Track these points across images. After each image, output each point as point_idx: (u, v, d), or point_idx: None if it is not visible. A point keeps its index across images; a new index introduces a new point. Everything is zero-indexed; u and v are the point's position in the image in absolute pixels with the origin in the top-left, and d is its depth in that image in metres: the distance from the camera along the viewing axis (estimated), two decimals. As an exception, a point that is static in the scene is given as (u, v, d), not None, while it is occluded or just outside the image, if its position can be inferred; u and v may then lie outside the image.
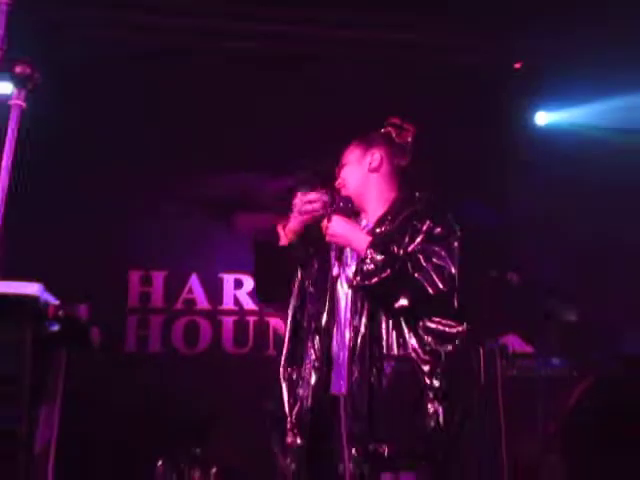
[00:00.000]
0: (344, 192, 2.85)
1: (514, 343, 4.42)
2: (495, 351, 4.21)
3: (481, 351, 4.22)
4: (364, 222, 2.85)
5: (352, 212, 2.80)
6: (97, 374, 3.68)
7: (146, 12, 5.07)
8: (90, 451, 4.22)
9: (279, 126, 5.14)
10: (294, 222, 2.87)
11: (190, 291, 5.53)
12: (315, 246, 2.88)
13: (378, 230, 2.74)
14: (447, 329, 2.59)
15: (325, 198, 2.83)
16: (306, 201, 2.84)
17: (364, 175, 2.83)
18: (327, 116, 4.93)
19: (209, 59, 5.21)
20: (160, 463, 4.20)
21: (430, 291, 2.51)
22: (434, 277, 2.52)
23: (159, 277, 5.52)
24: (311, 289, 2.84)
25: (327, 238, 2.74)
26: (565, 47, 5.14)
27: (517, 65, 5.41)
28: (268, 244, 2.93)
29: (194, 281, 5.53)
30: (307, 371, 2.71)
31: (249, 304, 5.50)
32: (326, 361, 2.69)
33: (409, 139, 2.88)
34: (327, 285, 2.78)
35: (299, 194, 2.86)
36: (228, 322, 5.52)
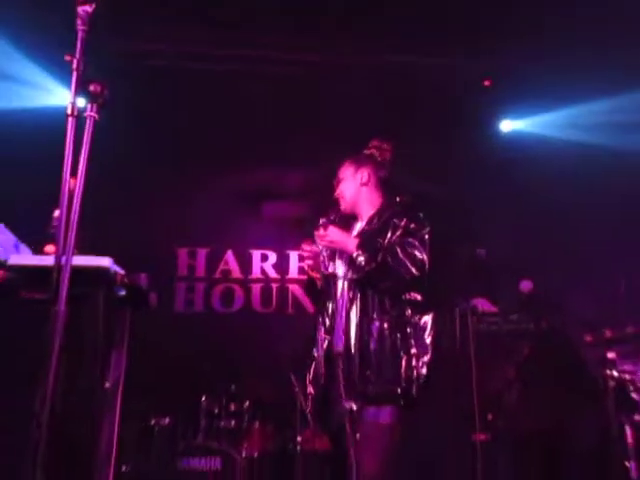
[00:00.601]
0: (342, 202, 2.99)
1: (482, 304, 4.42)
2: (467, 311, 4.23)
3: (457, 311, 4.25)
4: (359, 223, 2.98)
5: (342, 223, 2.95)
6: (154, 328, 3.71)
7: (194, 41, 5.06)
8: (149, 389, 4.25)
9: (296, 133, 5.12)
10: (313, 271, 3.00)
11: (226, 263, 5.56)
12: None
13: (368, 227, 2.89)
14: (418, 302, 2.72)
15: (315, 248, 2.95)
16: (309, 255, 2.95)
17: (357, 189, 2.97)
18: (329, 125, 4.91)
19: (241, 81, 5.16)
20: (204, 398, 4.19)
21: (406, 276, 2.66)
22: (409, 265, 2.66)
23: (202, 253, 5.55)
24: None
25: (323, 244, 2.88)
26: (526, 66, 5.05)
27: (487, 83, 5.32)
28: (313, 285, 3.05)
29: (229, 256, 5.56)
30: (320, 338, 2.86)
31: (272, 274, 5.53)
32: (331, 330, 2.83)
33: (388, 156, 3.03)
34: (330, 274, 2.94)
35: (302, 246, 2.98)
36: (256, 288, 5.55)
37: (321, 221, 3.00)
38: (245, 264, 5.56)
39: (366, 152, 3.06)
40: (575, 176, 4.93)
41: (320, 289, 3.02)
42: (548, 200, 4.89)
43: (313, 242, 2.95)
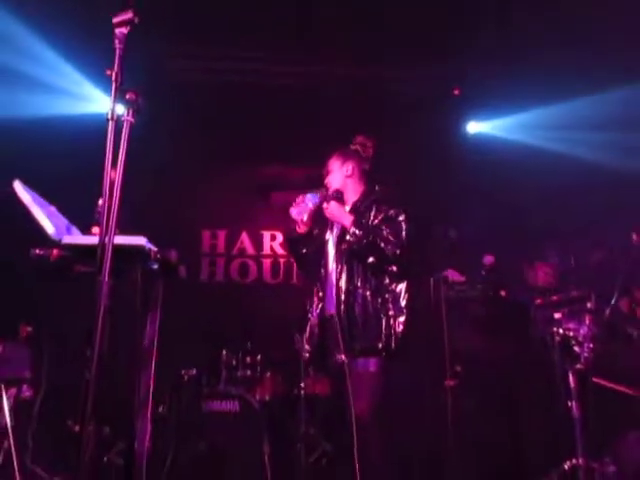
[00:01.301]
0: (330, 190, 2.98)
1: (452, 275, 4.42)
2: (440, 280, 4.23)
3: (431, 280, 4.25)
4: (345, 207, 2.96)
5: (341, 199, 2.94)
6: (182, 296, 3.72)
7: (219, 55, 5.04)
8: (179, 346, 4.25)
9: (299, 135, 5.09)
10: (300, 220, 2.95)
11: (242, 242, 5.53)
12: (319, 224, 3.02)
13: (353, 211, 2.88)
14: (394, 273, 2.76)
15: (309, 199, 2.93)
16: (298, 202, 2.93)
17: (343, 180, 2.97)
18: (324, 127, 4.85)
19: (255, 90, 5.15)
20: (224, 352, 4.20)
21: (389, 254, 2.69)
22: (392, 245, 2.69)
23: (222, 234, 5.53)
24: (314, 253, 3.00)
25: (327, 215, 2.88)
26: (491, 73, 4.98)
27: (456, 91, 5.25)
28: (292, 236, 3.04)
29: (244, 236, 5.54)
30: (315, 304, 2.91)
31: (280, 251, 5.49)
32: (323, 298, 2.88)
33: (371, 152, 3.02)
34: (322, 246, 2.95)
35: (291, 210, 2.95)
36: (267, 263, 5.53)
37: (321, 190, 2.97)
38: (257, 243, 5.54)
39: (352, 147, 3.05)
40: (529, 172, 4.91)
41: (303, 247, 2.99)
42: (508, 191, 4.85)
43: (304, 195, 2.94)
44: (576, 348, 2.77)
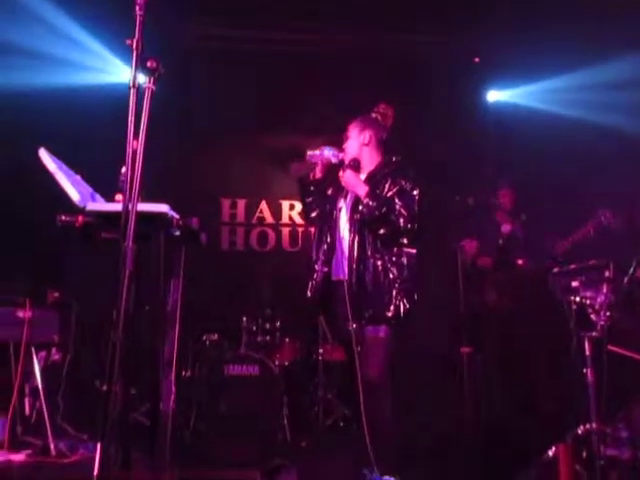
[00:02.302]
0: (346, 157, 2.92)
1: (470, 245, 4.39)
2: (457, 249, 4.22)
3: (448, 249, 4.23)
4: (360, 175, 2.90)
5: (357, 168, 2.87)
6: (203, 263, 3.74)
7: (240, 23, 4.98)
8: (201, 311, 4.31)
9: (317, 106, 5.04)
10: (315, 169, 2.99)
11: (261, 212, 5.54)
12: (330, 190, 2.99)
13: (369, 180, 2.83)
14: (404, 244, 2.74)
15: (326, 151, 2.93)
16: (312, 154, 2.96)
17: (359, 147, 2.90)
18: (344, 97, 4.78)
19: (276, 58, 5.10)
20: (245, 318, 4.26)
21: (401, 227, 2.68)
22: (404, 218, 2.68)
23: (242, 203, 5.54)
24: (321, 217, 2.96)
25: (342, 182, 2.84)
26: (510, 41, 4.86)
27: (476, 60, 5.17)
28: (304, 180, 3.05)
29: (264, 205, 5.54)
30: (320, 264, 2.86)
31: (298, 220, 5.50)
32: (329, 262, 2.84)
33: (390, 121, 2.97)
34: (333, 211, 2.90)
35: (308, 152, 2.97)
36: (285, 231, 5.54)
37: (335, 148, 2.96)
38: (276, 212, 5.55)
39: (372, 115, 2.98)
40: (549, 139, 4.82)
41: (310, 194, 2.99)
42: (528, 159, 4.76)
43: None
44: (592, 316, 2.74)
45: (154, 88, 1.82)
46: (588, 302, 2.76)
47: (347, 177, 2.81)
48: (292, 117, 5.19)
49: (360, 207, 2.73)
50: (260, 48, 5.12)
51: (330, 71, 5.02)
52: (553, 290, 2.98)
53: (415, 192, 2.75)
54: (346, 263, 2.73)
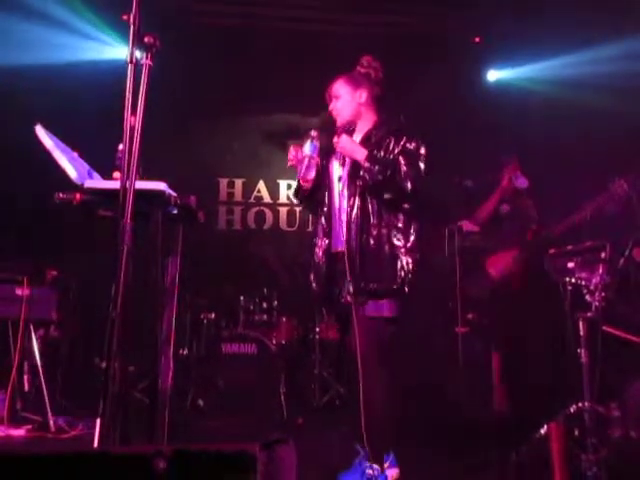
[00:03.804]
0: (339, 118, 2.65)
1: (467, 226, 4.39)
2: (455, 230, 4.22)
3: (446, 230, 4.23)
4: (355, 135, 2.66)
5: (352, 131, 2.64)
6: (201, 241, 3.75)
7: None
8: (198, 290, 4.32)
9: (315, 85, 4.99)
10: (302, 176, 2.64)
11: (259, 191, 5.55)
12: (325, 155, 2.69)
13: (366, 141, 2.58)
14: (411, 212, 2.53)
15: (309, 150, 2.60)
16: (298, 159, 2.62)
17: (355, 107, 2.63)
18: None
19: (273, 36, 5.02)
20: (242, 297, 4.28)
21: (408, 189, 2.45)
22: (410, 180, 2.44)
23: (239, 182, 5.55)
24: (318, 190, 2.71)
25: (337, 149, 2.57)
26: (511, 21, 4.82)
27: (477, 39, 5.13)
28: (299, 192, 2.76)
29: (261, 185, 5.55)
30: (320, 238, 2.65)
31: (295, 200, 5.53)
32: (329, 233, 2.62)
33: (380, 74, 2.69)
34: (327, 182, 2.66)
35: (291, 147, 2.67)
36: (283, 211, 5.56)
37: (312, 132, 2.64)
38: (274, 191, 5.55)
39: (361, 70, 2.70)
40: (549, 120, 4.81)
41: (308, 195, 2.72)
42: (528, 139, 4.74)
43: (300, 147, 2.63)
44: (587, 297, 2.76)
45: (152, 64, 1.79)
46: (583, 283, 2.78)
47: (343, 143, 2.54)
48: (290, 97, 5.15)
49: (361, 173, 2.48)
50: (259, 26, 5.08)
51: (329, 51, 4.96)
52: (549, 271, 3.00)
53: (421, 151, 2.51)
54: (345, 233, 2.50)
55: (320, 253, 2.63)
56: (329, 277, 2.61)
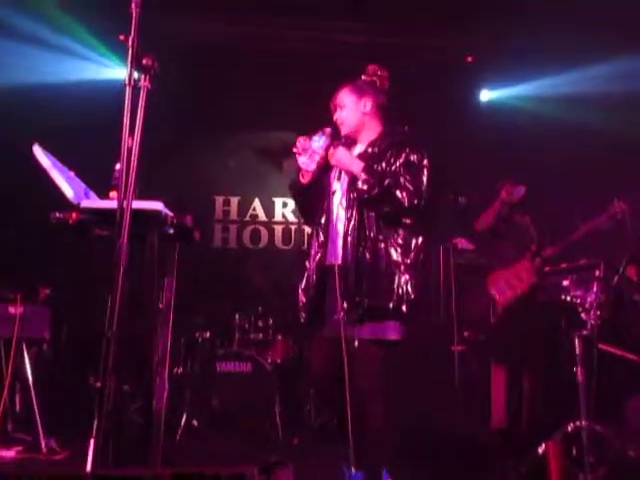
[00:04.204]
0: (343, 128, 2.55)
1: (462, 243, 4.41)
2: (450, 248, 4.24)
3: (441, 247, 4.26)
4: (358, 146, 2.56)
5: (350, 144, 2.54)
6: (197, 259, 3.75)
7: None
8: (194, 309, 4.31)
9: (313, 104, 5.03)
10: (305, 167, 2.52)
11: (254, 209, 5.55)
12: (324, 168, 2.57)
13: (369, 152, 2.48)
14: (413, 227, 2.40)
15: (316, 142, 2.49)
16: (304, 147, 2.49)
17: (359, 117, 2.54)
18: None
19: (268, 55, 5.09)
20: (237, 316, 4.25)
21: (406, 204, 2.32)
22: (410, 194, 2.32)
23: (235, 200, 5.55)
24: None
25: (332, 162, 2.47)
26: (503, 44, 4.92)
27: (470, 59, 5.20)
28: (296, 185, 2.62)
29: (257, 203, 5.55)
30: (314, 251, 2.51)
31: (291, 218, 5.52)
32: (324, 245, 2.47)
33: (387, 83, 2.61)
34: (326, 195, 2.54)
35: (300, 137, 2.51)
36: (278, 229, 5.56)
37: (327, 129, 2.53)
38: (269, 210, 5.56)
39: (366, 79, 2.61)
40: (541, 139, 4.86)
41: (303, 192, 2.59)
42: (520, 159, 4.78)
43: (309, 139, 2.51)
44: (583, 315, 2.77)
45: (150, 86, 1.79)
46: (579, 301, 2.79)
47: (338, 155, 2.44)
48: (286, 115, 5.18)
49: (358, 185, 2.37)
50: (255, 45, 5.12)
51: (325, 69, 5.02)
52: (544, 288, 3.02)
53: (424, 163, 2.39)
54: (341, 244, 2.37)
55: (313, 265, 2.49)
56: (319, 291, 2.45)
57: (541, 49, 4.74)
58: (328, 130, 2.53)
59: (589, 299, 2.75)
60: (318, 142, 2.48)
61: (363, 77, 2.62)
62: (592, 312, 2.71)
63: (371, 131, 2.55)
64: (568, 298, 2.87)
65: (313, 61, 5.09)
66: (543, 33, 4.61)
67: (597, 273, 2.76)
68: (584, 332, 2.71)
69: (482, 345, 4.13)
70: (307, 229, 5.52)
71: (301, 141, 2.50)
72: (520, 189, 3.97)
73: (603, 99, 4.69)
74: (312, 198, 2.60)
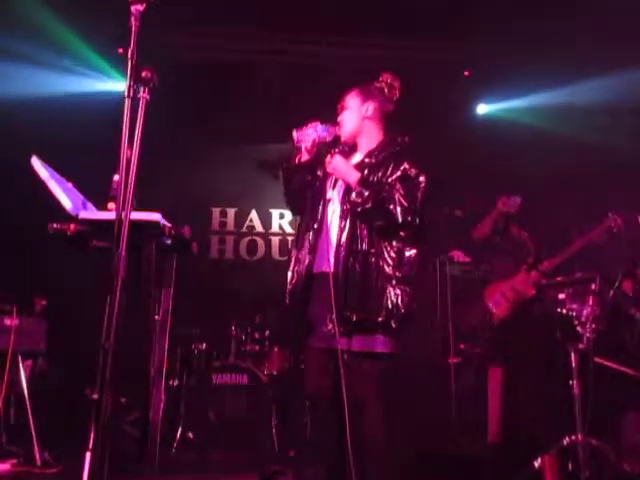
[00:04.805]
0: (343, 131, 2.49)
1: (458, 256, 4.42)
2: (446, 260, 4.24)
3: (437, 260, 4.26)
4: (357, 154, 2.50)
5: (348, 152, 2.49)
6: (194, 271, 3.74)
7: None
8: (190, 320, 4.29)
9: (310, 115, 5.07)
10: (303, 150, 2.49)
11: (251, 220, 5.56)
12: (321, 170, 2.52)
13: (367, 161, 2.42)
14: (407, 240, 2.34)
15: (319, 129, 2.45)
16: (300, 133, 2.47)
17: (360, 121, 2.48)
18: (333, 108, 4.83)
19: (261, 73, 5.13)
20: (233, 327, 4.24)
21: (400, 219, 2.26)
22: (404, 210, 2.26)
23: (232, 211, 5.56)
24: (310, 201, 2.53)
25: (328, 170, 2.41)
26: (501, 55, 4.95)
27: (466, 73, 5.24)
28: (289, 164, 2.57)
29: (254, 214, 5.56)
30: (303, 255, 2.44)
31: (288, 229, 5.53)
32: (313, 251, 2.41)
33: (397, 93, 2.55)
34: (320, 201, 2.47)
35: (294, 132, 2.50)
36: (275, 240, 5.56)
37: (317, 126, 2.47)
38: (266, 221, 5.57)
39: (376, 84, 2.54)
40: (538, 153, 4.89)
41: (294, 171, 2.53)
42: (517, 172, 4.81)
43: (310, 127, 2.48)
44: (579, 328, 2.78)
45: (148, 98, 1.80)
46: (574, 314, 2.80)
47: (335, 164, 2.37)
48: (283, 127, 5.19)
49: (352, 196, 2.31)
50: (252, 58, 5.15)
51: (322, 81, 5.05)
52: (540, 302, 3.02)
53: (421, 179, 2.32)
54: (333, 253, 2.30)
55: (302, 268, 2.42)
56: (304, 296, 2.41)
57: (540, 63, 4.77)
58: (333, 151, 2.47)
59: (585, 312, 2.75)
60: (321, 130, 2.45)
61: (375, 83, 2.56)
62: (588, 325, 2.72)
63: (371, 139, 2.49)
64: (564, 311, 2.88)
65: (313, 74, 5.12)
66: (540, 46, 4.65)
67: (593, 287, 2.77)
68: (580, 345, 2.71)
69: (478, 357, 4.12)
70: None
71: (308, 125, 2.47)
72: (516, 199, 4.00)
73: (602, 112, 4.73)
74: (301, 186, 2.53)
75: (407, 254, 2.32)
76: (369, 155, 2.44)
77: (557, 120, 5.03)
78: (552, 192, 4.64)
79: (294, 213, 2.71)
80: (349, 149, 2.53)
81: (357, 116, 2.48)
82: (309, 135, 2.44)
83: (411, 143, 2.47)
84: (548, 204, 4.57)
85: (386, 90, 2.53)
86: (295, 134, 2.48)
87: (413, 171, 2.34)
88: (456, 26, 4.66)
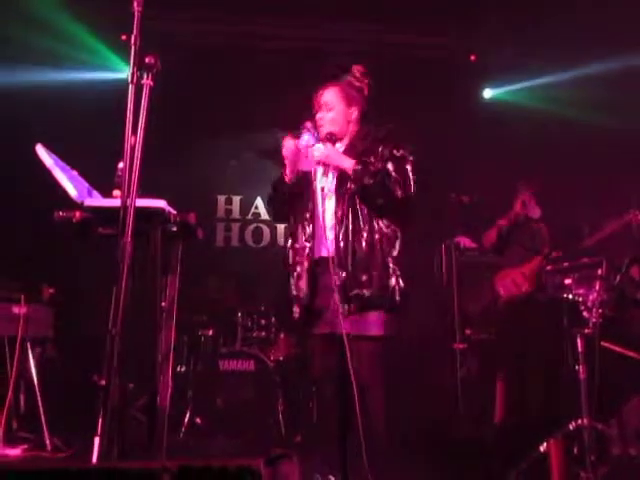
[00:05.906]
0: (324, 130, 2.53)
1: (464, 241, 4.41)
2: (452, 246, 4.23)
3: (443, 246, 4.25)
4: (338, 144, 2.54)
5: (334, 141, 2.51)
6: (199, 258, 3.75)
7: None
8: (197, 306, 4.32)
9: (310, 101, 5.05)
10: (289, 166, 2.57)
11: (256, 208, 5.56)
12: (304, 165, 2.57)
13: (351, 149, 2.50)
14: (402, 221, 2.46)
15: (308, 141, 2.49)
16: (287, 147, 2.53)
17: (344, 123, 2.54)
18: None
19: (267, 59, 5.10)
20: (240, 314, 4.25)
21: (398, 195, 2.37)
22: (401, 186, 2.37)
23: (237, 199, 5.57)
24: (297, 197, 2.60)
25: (319, 159, 2.46)
26: (506, 41, 4.95)
27: (472, 57, 5.22)
28: (279, 183, 2.65)
29: (259, 201, 5.55)
30: (300, 245, 2.51)
31: (294, 216, 5.56)
32: (311, 239, 2.49)
33: (371, 91, 2.61)
34: (310, 191, 2.53)
35: (287, 137, 2.55)
36: (280, 227, 5.52)
37: (308, 123, 2.55)
38: (271, 208, 5.59)
39: (355, 84, 2.59)
40: (543, 137, 4.86)
41: (288, 190, 2.59)
42: (520, 156, 4.78)
43: (295, 137, 2.52)
44: (585, 313, 2.77)
45: (152, 84, 1.80)
46: (581, 299, 2.79)
47: (328, 152, 2.44)
48: (289, 115, 5.17)
49: (351, 178, 2.39)
50: (258, 45, 5.12)
51: (326, 69, 5.02)
52: (546, 287, 3.02)
53: (408, 156, 2.44)
54: (334, 240, 2.38)
55: (302, 258, 2.48)
56: (311, 285, 2.46)
57: (545, 46, 4.74)
58: (310, 125, 2.55)
59: (591, 297, 2.75)
60: (308, 140, 2.49)
61: (349, 78, 2.61)
62: (594, 310, 2.71)
63: (350, 134, 2.57)
64: (570, 296, 2.87)
65: (316, 60, 5.08)
66: (546, 30, 4.61)
67: (599, 272, 2.76)
68: (586, 330, 2.71)
69: (484, 343, 4.13)
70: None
71: (290, 142, 2.52)
72: (536, 211, 3.96)
73: (610, 97, 4.69)
74: (290, 197, 2.60)
75: (399, 235, 2.44)
76: (354, 143, 2.52)
77: (564, 103, 4.99)
78: (560, 175, 4.61)
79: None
80: (333, 139, 2.55)
81: (342, 120, 2.55)
82: (302, 152, 2.50)
83: (396, 129, 2.53)
84: (555, 188, 4.55)
85: (365, 91, 2.60)
86: (286, 145, 2.52)
87: (400, 152, 2.44)
88: (462, 10, 4.63)
